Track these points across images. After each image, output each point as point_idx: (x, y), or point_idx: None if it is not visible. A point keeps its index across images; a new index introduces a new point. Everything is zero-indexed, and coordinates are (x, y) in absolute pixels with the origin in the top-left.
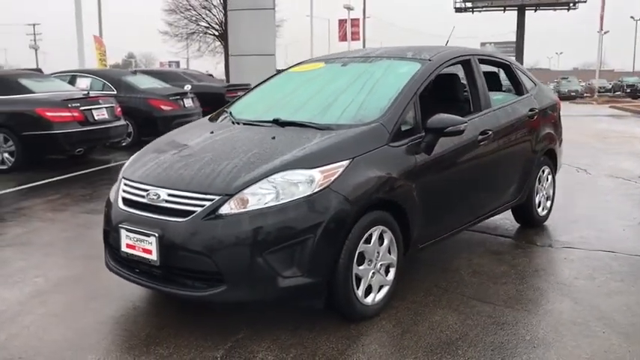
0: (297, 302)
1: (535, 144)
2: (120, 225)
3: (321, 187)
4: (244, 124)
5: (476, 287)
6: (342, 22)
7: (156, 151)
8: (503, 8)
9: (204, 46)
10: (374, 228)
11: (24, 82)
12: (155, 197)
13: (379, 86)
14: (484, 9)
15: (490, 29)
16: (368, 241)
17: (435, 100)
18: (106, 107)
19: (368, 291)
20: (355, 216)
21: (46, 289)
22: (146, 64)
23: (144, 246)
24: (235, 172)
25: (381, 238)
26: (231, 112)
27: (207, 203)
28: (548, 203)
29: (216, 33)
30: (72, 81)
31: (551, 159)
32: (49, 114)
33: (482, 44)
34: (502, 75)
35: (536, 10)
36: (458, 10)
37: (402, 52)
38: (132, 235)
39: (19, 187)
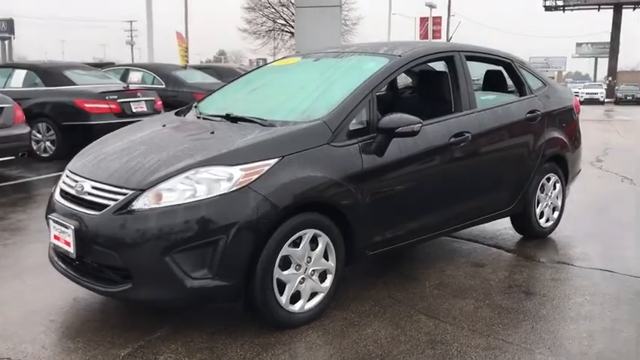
0: (210, 304)
1: (536, 149)
2: (49, 216)
3: (239, 186)
4: (203, 118)
5: (431, 301)
6: (423, 20)
7: (102, 143)
8: (597, 6)
9: (280, 44)
10: (304, 231)
11: (67, 74)
12: (80, 189)
13: (338, 83)
14: (576, 7)
15: (582, 29)
16: (296, 244)
17: (421, 99)
18: (145, 100)
19: (297, 297)
20: (277, 218)
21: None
22: (235, 61)
23: (65, 238)
24: (155, 167)
25: (315, 242)
26: (197, 106)
27: (121, 197)
28: (555, 214)
29: (293, 30)
30: (125, 74)
31: (560, 166)
32: (86, 105)
33: (579, 45)
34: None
35: (634, 9)
36: (547, 8)
37: (377, 47)
38: (57, 226)
39: (58, 172)
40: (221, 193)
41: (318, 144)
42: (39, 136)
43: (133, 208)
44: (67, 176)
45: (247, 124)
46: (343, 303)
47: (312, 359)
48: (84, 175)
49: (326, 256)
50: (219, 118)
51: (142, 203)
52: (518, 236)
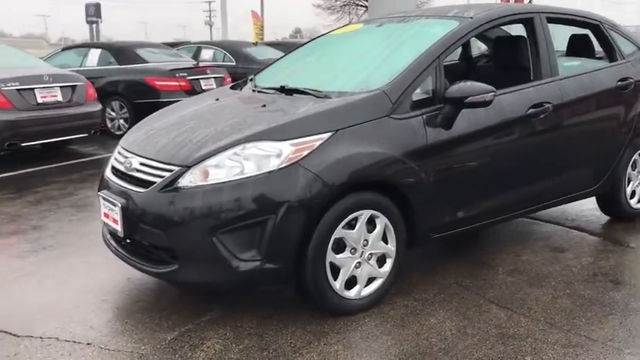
0: (259, 288)
1: (627, 121)
2: (99, 192)
3: (289, 162)
4: (258, 91)
5: (504, 289)
6: None
7: (155, 118)
8: None
9: (355, 19)
10: (359, 212)
11: (140, 52)
12: (129, 165)
13: (402, 49)
14: None
15: None
16: (351, 226)
17: (496, 67)
18: (214, 77)
19: (353, 283)
20: (330, 197)
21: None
22: (310, 37)
23: (113, 216)
24: (203, 143)
25: (372, 224)
26: (253, 79)
27: (167, 174)
28: None
29: (367, 4)
30: (197, 52)
31: None
32: (157, 83)
33: None
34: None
35: None
36: None
37: (446, 10)
38: (106, 203)
39: None
40: (270, 170)
41: (377, 116)
42: (113, 114)
43: (179, 185)
44: (119, 152)
45: (301, 97)
46: (405, 289)
47: (367, 351)
48: (133, 150)
49: (385, 239)
50: (273, 91)
51: (188, 180)
52: (604, 218)
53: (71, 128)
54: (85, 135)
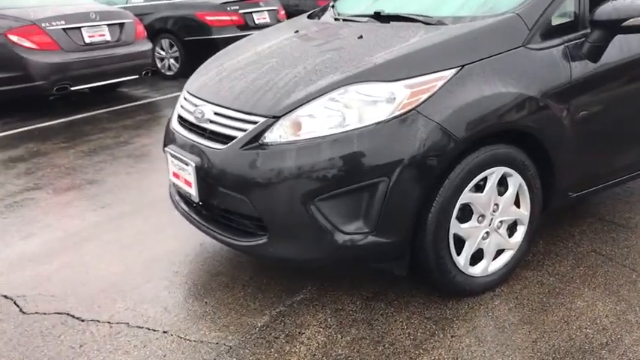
0: (364, 265)
1: None
2: (166, 148)
3: (404, 110)
4: (343, 20)
5: None
6: None
7: (224, 56)
8: None
9: None
10: (490, 170)
11: None
12: (200, 115)
13: None
14: None
15: None
16: (479, 188)
17: None
18: (267, 10)
19: (477, 257)
20: (458, 153)
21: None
22: None
23: (185, 177)
24: (291, 86)
25: (503, 184)
26: (334, 5)
27: (250, 127)
28: None
29: None
30: None
31: None
32: (207, 18)
33: None
34: None
35: None
36: None
37: None
38: (175, 161)
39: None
40: (379, 120)
41: (511, 47)
42: (162, 53)
43: (266, 141)
44: (185, 99)
45: (405, 24)
46: (532, 259)
47: (509, 347)
48: (204, 97)
49: (516, 203)
50: (365, 19)
51: (277, 135)
52: None
53: (121, 70)
54: (136, 77)
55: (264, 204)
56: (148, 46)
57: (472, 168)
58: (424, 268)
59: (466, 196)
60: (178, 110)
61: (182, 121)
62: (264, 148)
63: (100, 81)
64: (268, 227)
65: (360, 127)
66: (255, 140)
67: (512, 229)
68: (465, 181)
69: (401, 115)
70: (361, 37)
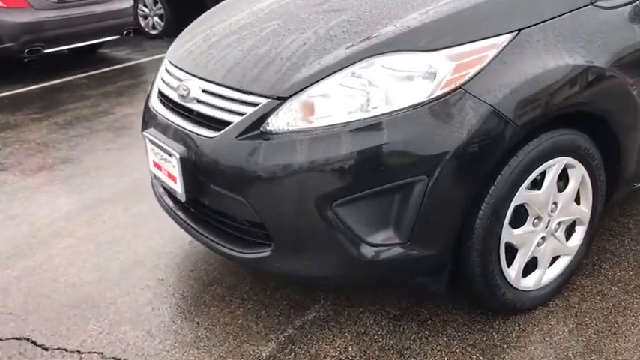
0: (396, 283)
1: None
2: (145, 132)
3: (448, 88)
4: None
5: None
6: None
7: (213, 17)
8: None
9: None
10: (551, 162)
11: None
12: (184, 93)
13: None
14: None
15: None
16: (536, 185)
17: None
18: None
19: (529, 267)
20: (514, 142)
21: None
22: None
23: (168, 169)
24: (299, 57)
25: (563, 178)
26: None
27: (249, 110)
28: None
29: None
30: None
31: None
32: None
33: None
34: None
35: None
36: None
37: None
38: (156, 149)
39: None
40: (416, 101)
41: (577, 5)
42: (145, 10)
43: (269, 128)
44: (167, 70)
45: None
46: (586, 262)
47: None
48: (188, 69)
49: (577, 199)
50: None
51: (284, 121)
52: None
53: (100, 30)
54: (117, 37)
55: (268, 208)
56: (129, 3)
57: (530, 160)
58: (468, 284)
59: (522, 195)
60: (159, 84)
61: (163, 98)
62: (267, 138)
63: (76, 43)
64: (273, 237)
65: (391, 112)
66: (255, 127)
67: (569, 230)
68: (521, 176)
69: (443, 95)
70: None
